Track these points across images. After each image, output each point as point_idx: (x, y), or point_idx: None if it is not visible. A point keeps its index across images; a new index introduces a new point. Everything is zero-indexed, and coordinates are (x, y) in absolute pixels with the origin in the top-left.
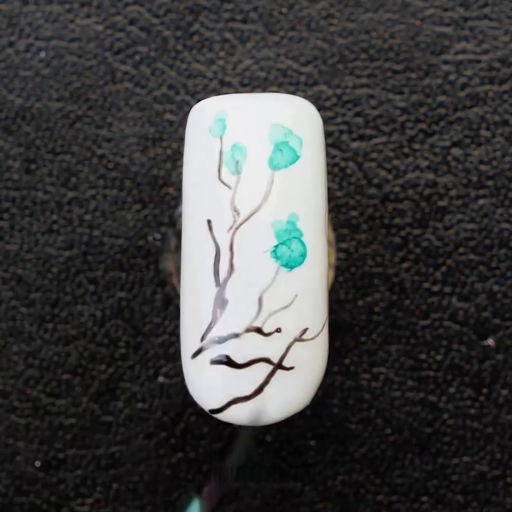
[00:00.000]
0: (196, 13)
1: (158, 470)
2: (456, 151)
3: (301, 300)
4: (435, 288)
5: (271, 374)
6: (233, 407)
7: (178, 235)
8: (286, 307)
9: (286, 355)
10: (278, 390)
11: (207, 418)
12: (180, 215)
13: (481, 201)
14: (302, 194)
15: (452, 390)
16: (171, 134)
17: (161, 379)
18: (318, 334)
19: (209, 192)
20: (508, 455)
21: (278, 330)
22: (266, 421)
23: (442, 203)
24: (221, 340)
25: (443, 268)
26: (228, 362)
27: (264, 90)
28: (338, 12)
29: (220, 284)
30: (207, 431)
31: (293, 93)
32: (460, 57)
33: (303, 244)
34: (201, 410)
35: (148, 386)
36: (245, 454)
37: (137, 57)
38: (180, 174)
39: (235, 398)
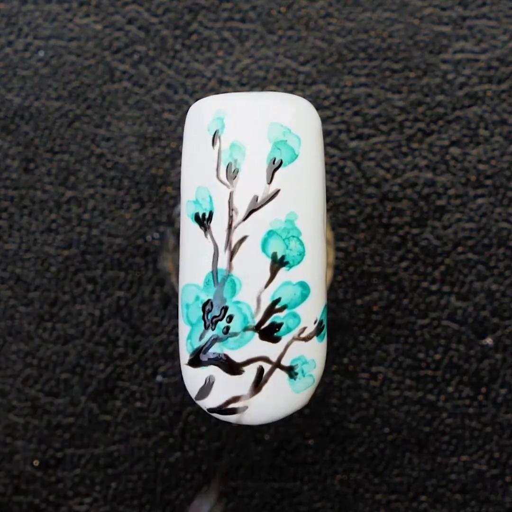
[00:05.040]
0: (195, 12)
1: (157, 469)
2: (454, 150)
3: (299, 299)
4: (434, 287)
5: (270, 373)
6: (232, 406)
7: (177, 234)
8: (284, 306)
9: (285, 354)
10: (277, 389)
11: (206, 417)
12: (178, 214)
13: (479, 200)
14: (300, 193)
15: (450, 389)
16: (170, 133)
17: (159, 378)
18: (316, 333)
19: (208, 192)
20: (507, 454)
21: (277, 329)
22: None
23: (441, 202)
24: (220, 339)
25: (442, 267)
26: (227, 361)
27: (263, 89)
28: (336, 11)
29: (218, 283)
30: (206, 430)
31: (291, 92)
32: (458, 56)
33: (301, 243)
34: (199, 409)
35: (146, 385)
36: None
37: (136, 56)
38: (178, 173)
39: (233, 397)
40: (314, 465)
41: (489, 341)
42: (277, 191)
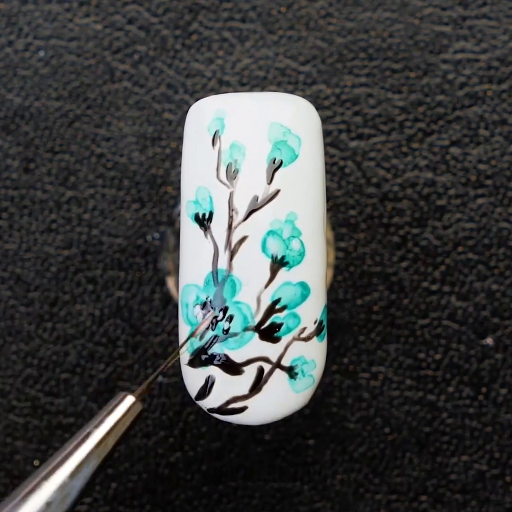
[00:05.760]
0: (195, 12)
1: (157, 470)
2: (455, 150)
3: (299, 299)
4: (434, 287)
5: (270, 373)
6: (232, 406)
7: (177, 234)
8: (284, 306)
9: (285, 354)
10: (277, 389)
11: (206, 418)
12: (178, 214)
13: (480, 200)
14: (300, 193)
15: (451, 389)
16: (170, 133)
17: (159, 378)
18: (317, 334)
19: (208, 192)
20: (507, 454)
21: (277, 329)
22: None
23: (441, 202)
24: (220, 340)
25: (442, 267)
26: (227, 361)
27: (263, 89)
28: (337, 11)
29: (218, 283)
30: (206, 431)
31: (292, 92)
32: (459, 56)
33: (301, 243)
34: (199, 409)
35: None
36: None
37: (136, 56)
38: (178, 173)
39: (233, 397)
40: (314, 465)
41: (489, 341)
42: (277, 191)
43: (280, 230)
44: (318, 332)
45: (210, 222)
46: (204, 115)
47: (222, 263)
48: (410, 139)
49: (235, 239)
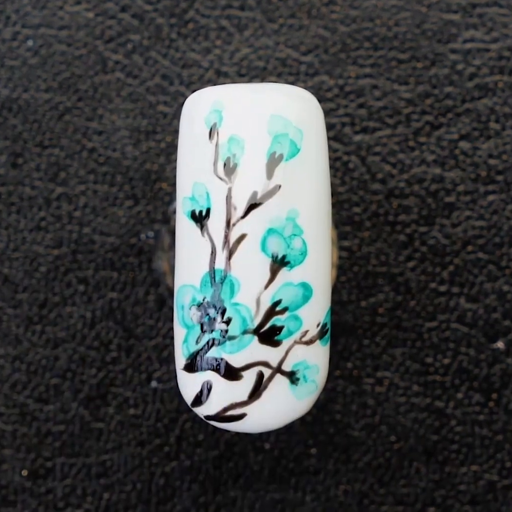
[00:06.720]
0: (191, 0)
1: (151, 479)
2: (464, 145)
3: (301, 301)
4: (442, 288)
5: (270, 378)
6: (230, 413)
7: (172, 232)
8: (285, 308)
9: (286, 359)
10: (277, 395)
11: (203, 425)
12: (174, 212)
13: (490, 197)
14: (302, 189)
15: (460, 395)
16: (165, 127)
17: (154, 383)
18: (319, 337)
19: (205, 188)
20: None
21: (277, 332)
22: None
23: (450, 199)
24: (217, 343)
25: (451, 267)
26: (225, 366)
27: (263, 80)
28: None
29: (215, 284)
30: (203, 439)
31: (293, 83)
32: (468, 45)
33: (303, 241)
34: (196, 416)
35: (140, 391)
36: None
37: (130, 46)
38: (174, 169)
39: (232, 404)
40: (316, 475)
41: (500, 344)
42: (278, 187)
43: (281, 228)
44: (321, 335)
45: (207, 219)
46: (201, 107)
47: (220, 263)
48: (417, 133)
49: (233, 237)
